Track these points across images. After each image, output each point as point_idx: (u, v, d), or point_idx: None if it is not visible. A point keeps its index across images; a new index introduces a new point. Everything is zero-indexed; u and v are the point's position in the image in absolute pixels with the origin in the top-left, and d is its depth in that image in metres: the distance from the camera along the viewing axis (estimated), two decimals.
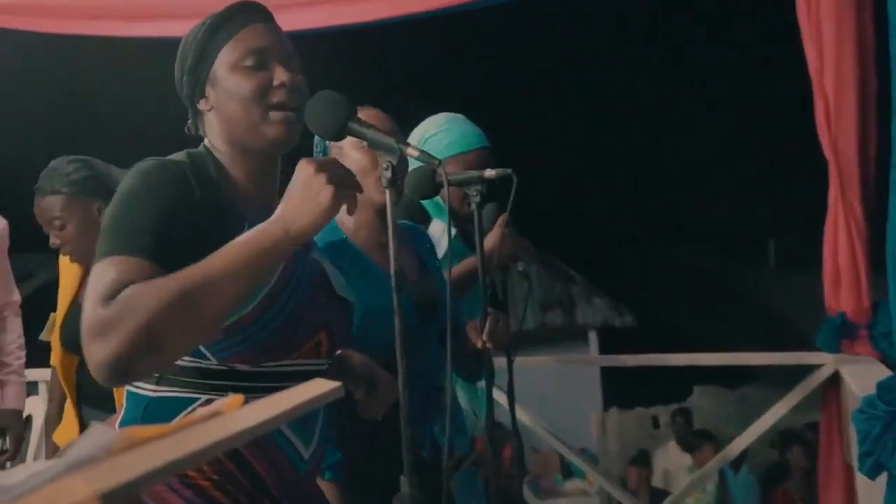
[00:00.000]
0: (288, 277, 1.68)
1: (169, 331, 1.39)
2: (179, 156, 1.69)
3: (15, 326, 3.89)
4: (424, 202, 2.96)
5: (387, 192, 1.63)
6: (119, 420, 1.69)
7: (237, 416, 0.69)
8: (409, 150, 1.62)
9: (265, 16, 1.79)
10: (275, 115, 1.71)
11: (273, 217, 1.52)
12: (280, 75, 1.72)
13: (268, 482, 1.66)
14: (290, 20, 3.95)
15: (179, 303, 1.39)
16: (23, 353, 3.89)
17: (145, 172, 1.59)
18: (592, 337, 14.12)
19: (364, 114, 2.25)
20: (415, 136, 2.97)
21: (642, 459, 9.18)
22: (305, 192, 1.51)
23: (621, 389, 12.66)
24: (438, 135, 2.93)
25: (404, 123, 2.56)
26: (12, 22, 4.73)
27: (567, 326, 13.93)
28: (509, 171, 2.19)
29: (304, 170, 1.53)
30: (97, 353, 1.40)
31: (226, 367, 1.62)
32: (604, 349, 13.83)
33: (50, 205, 3.00)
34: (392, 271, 1.60)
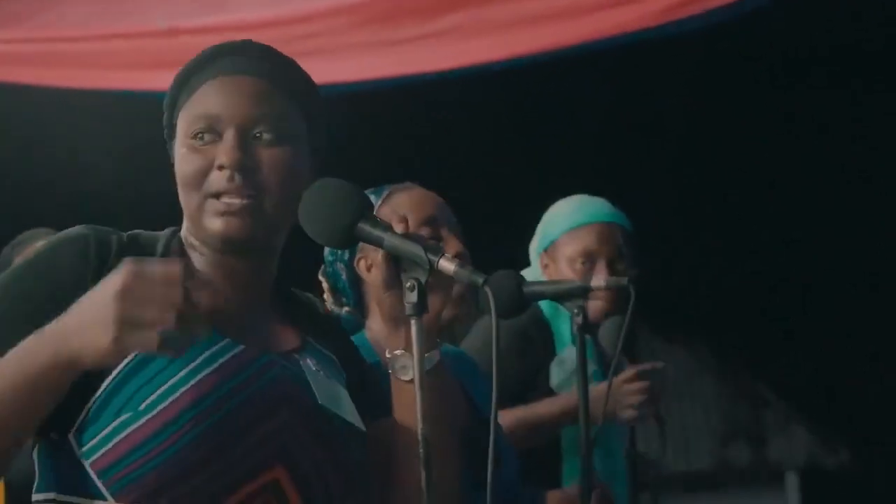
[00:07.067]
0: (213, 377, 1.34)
1: None
2: (134, 232, 1.44)
3: None
4: (545, 306, 2.64)
5: (413, 323, 1.32)
6: None
7: None
8: (443, 263, 1.30)
9: (249, 64, 1.42)
10: (211, 204, 1.38)
11: (51, 327, 1.21)
12: (223, 154, 1.37)
13: None
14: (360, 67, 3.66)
15: None
16: None
17: (51, 242, 1.40)
18: (791, 481, 12.09)
19: (400, 197, 1.99)
20: (542, 223, 2.82)
21: None
22: (92, 308, 1.18)
23: None
24: (558, 211, 2.77)
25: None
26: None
27: (755, 467, 12.15)
28: (624, 280, 2.03)
29: (114, 278, 1.18)
30: None
31: None
32: (808, 500, 11.86)
33: None
34: (420, 437, 1.35)
